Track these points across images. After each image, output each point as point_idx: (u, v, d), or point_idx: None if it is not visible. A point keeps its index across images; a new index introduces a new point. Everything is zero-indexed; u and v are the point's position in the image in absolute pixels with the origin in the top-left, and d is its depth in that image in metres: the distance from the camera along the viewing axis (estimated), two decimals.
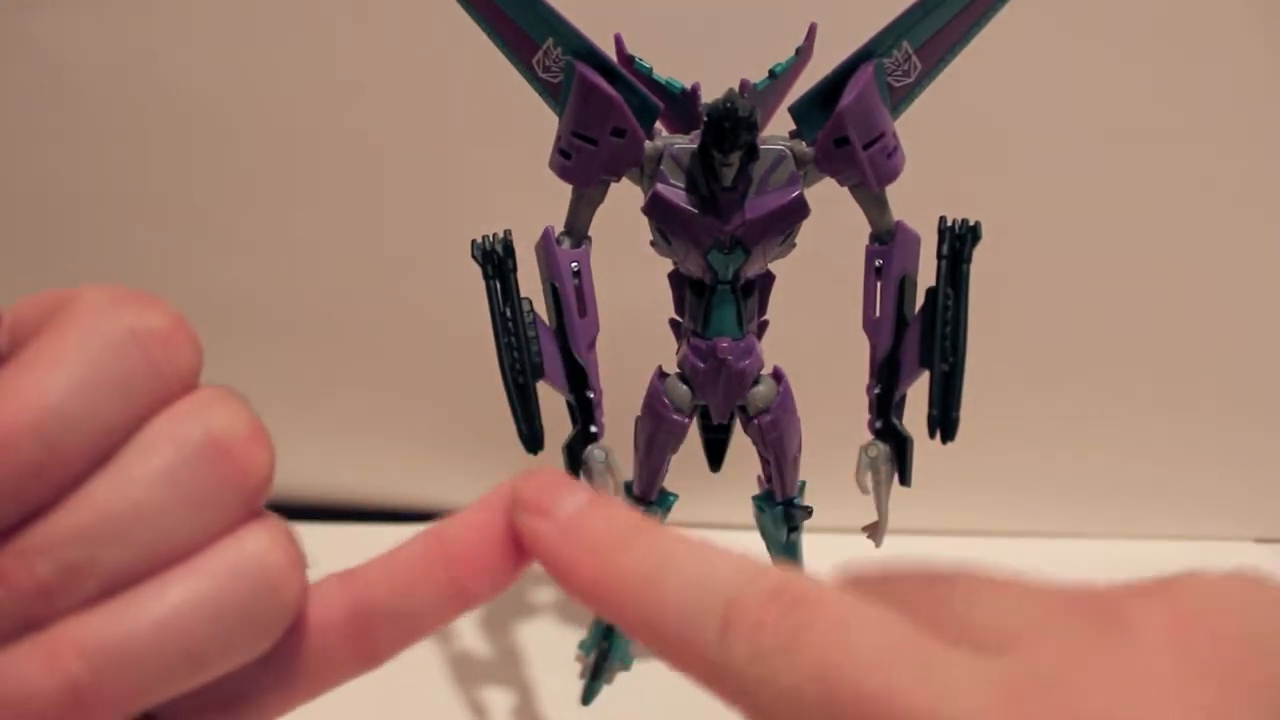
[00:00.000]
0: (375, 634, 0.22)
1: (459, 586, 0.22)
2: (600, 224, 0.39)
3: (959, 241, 0.37)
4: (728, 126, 0.34)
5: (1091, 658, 0.18)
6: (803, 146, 0.37)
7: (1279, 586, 0.21)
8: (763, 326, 0.41)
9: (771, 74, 0.38)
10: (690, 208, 0.37)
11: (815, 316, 0.49)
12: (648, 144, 0.37)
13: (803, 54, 0.39)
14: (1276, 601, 0.20)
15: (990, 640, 0.18)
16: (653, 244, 0.39)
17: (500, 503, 0.22)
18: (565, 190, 0.38)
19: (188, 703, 0.20)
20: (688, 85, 0.39)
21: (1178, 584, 0.21)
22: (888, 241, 0.38)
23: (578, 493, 0.21)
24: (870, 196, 0.38)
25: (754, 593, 0.18)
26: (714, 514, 0.57)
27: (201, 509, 0.19)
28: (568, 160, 0.37)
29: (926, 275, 0.38)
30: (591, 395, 0.39)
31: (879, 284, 0.38)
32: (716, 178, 0.36)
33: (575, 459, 0.39)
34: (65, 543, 0.18)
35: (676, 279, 0.41)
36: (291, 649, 0.21)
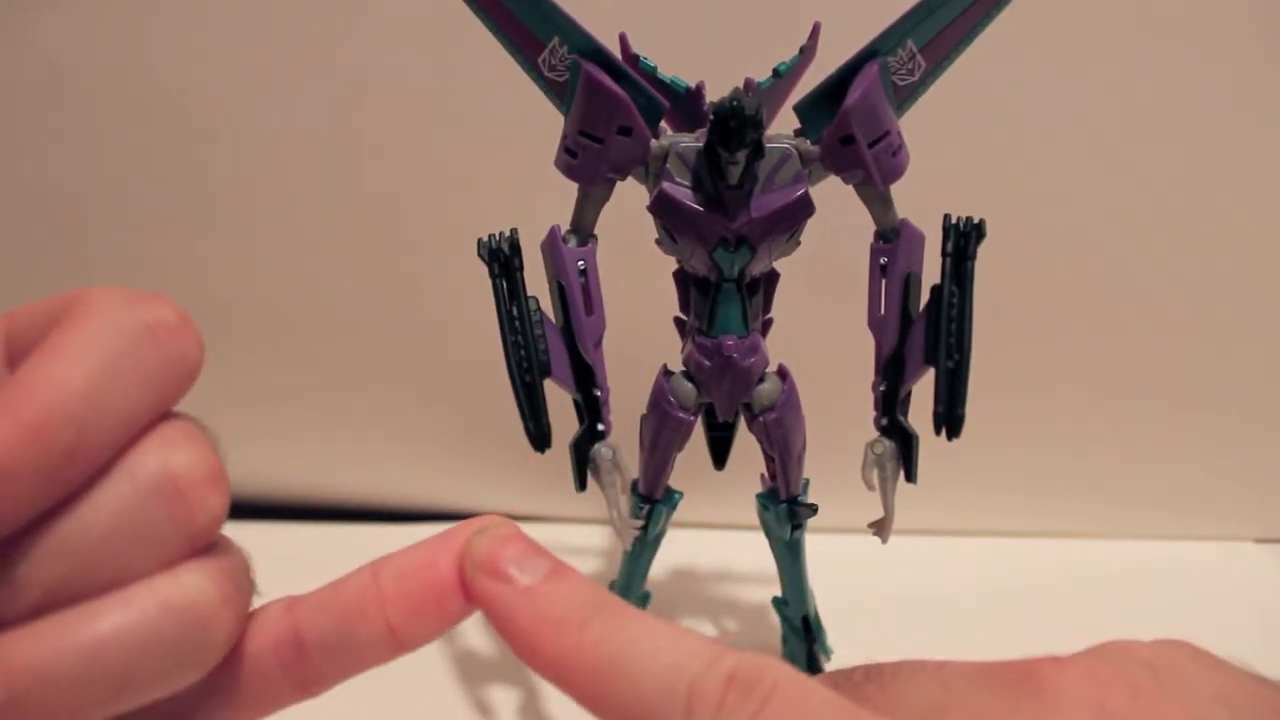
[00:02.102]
0: (311, 664, 0.22)
1: (392, 629, 0.22)
2: (606, 222, 0.39)
3: (963, 239, 0.37)
4: (734, 125, 0.35)
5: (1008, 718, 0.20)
6: (808, 145, 0.37)
7: (1207, 654, 0.24)
8: (767, 324, 0.41)
9: (776, 73, 0.39)
10: (696, 206, 0.37)
11: (820, 314, 0.50)
12: (653, 143, 0.37)
13: (807, 53, 0.39)
14: (1202, 663, 0.24)
15: (922, 714, 0.21)
16: (658, 242, 0.39)
17: (445, 548, 0.22)
18: (571, 189, 0.38)
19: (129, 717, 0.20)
20: (692, 84, 0.39)
21: (1101, 649, 0.24)
22: (892, 239, 0.38)
23: (537, 559, 0.22)
24: (875, 194, 0.38)
25: (713, 677, 0.19)
26: (718, 512, 0.57)
27: (146, 543, 0.19)
28: (574, 159, 0.37)
29: (931, 273, 0.38)
30: (598, 393, 0.39)
31: (884, 281, 0.39)
32: (722, 176, 0.36)
33: (582, 457, 0.39)
34: (11, 557, 0.18)
35: (682, 277, 0.41)
36: (229, 673, 0.21)
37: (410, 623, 0.22)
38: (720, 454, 0.43)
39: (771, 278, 0.41)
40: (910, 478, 0.40)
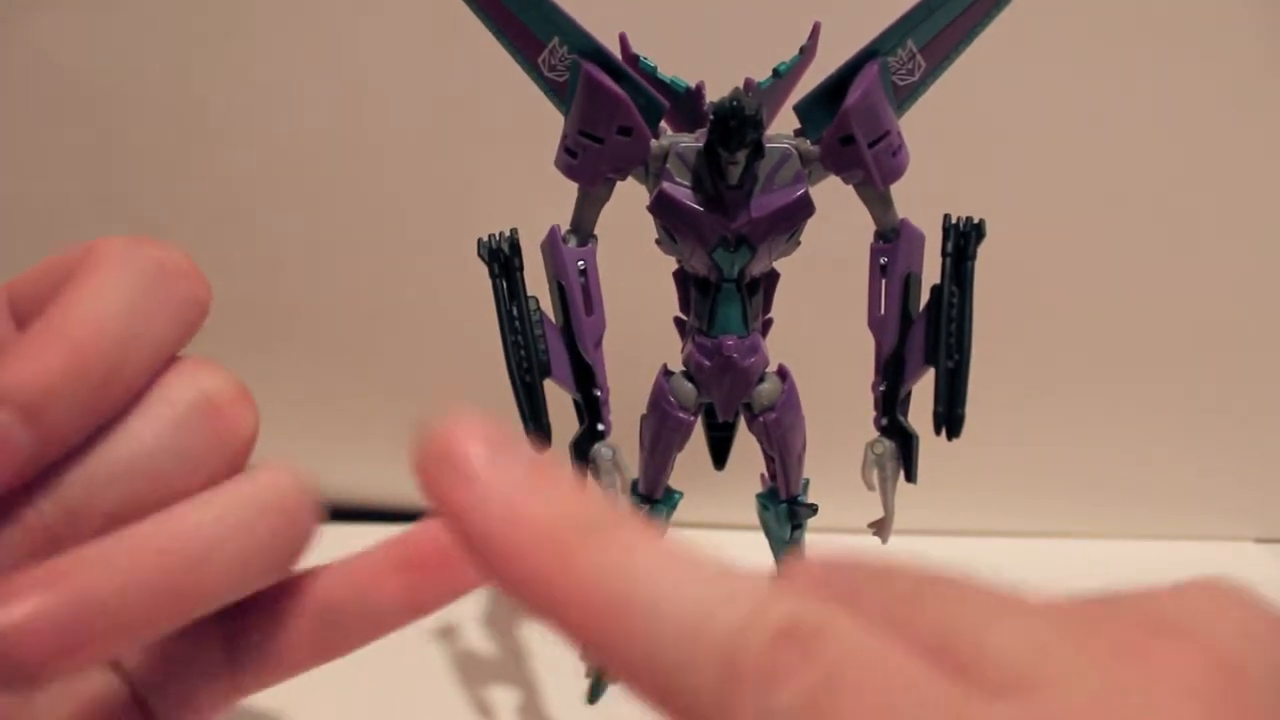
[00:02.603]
0: (335, 628, 0.22)
1: (412, 592, 0.22)
2: (606, 222, 0.39)
3: (963, 239, 0.37)
4: (734, 125, 0.35)
5: (1120, 709, 0.15)
6: (808, 145, 0.37)
7: (1241, 599, 0.19)
8: (767, 324, 0.41)
9: (775, 73, 0.39)
10: (696, 206, 0.37)
11: (820, 314, 0.50)
12: (653, 143, 0.37)
13: (806, 53, 0.39)
14: (1255, 621, 0.19)
15: (1008, 678, 0.15)
16: (658, 242, 0.39)
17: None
18: (571, 189, 0.38)
19: (171, 673, 0.21)
20: (692, 84, 0.39)
21: (1181, 611, 0.18)
22: (892, 239, 0.38)
23: (515, 450, 0.16)
24: (875, 194, 0.38)
25: (760, 632, 0.14)
26: (718, 512, 0.57)
27: (190, 461, 0.20)
28: (574, 159, 0.37)
29: (931, 273, 0.38)
30: (598, 393, 0.39)
31: (884, 281, 0.39)
32: (722, 176, 0.36)
33: (582, 457, 0.39)
34: (68, 487, 0.18)
35: (681, 277, 0.41)
36: (266, 633, 0.22)
37: (427, 587, 0.22)
38: (720, 454, 0.43)
39: (771, 278, 0.41)
40: (910, 478, 0.40)
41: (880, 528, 0.41)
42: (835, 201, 0.38)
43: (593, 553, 0.15)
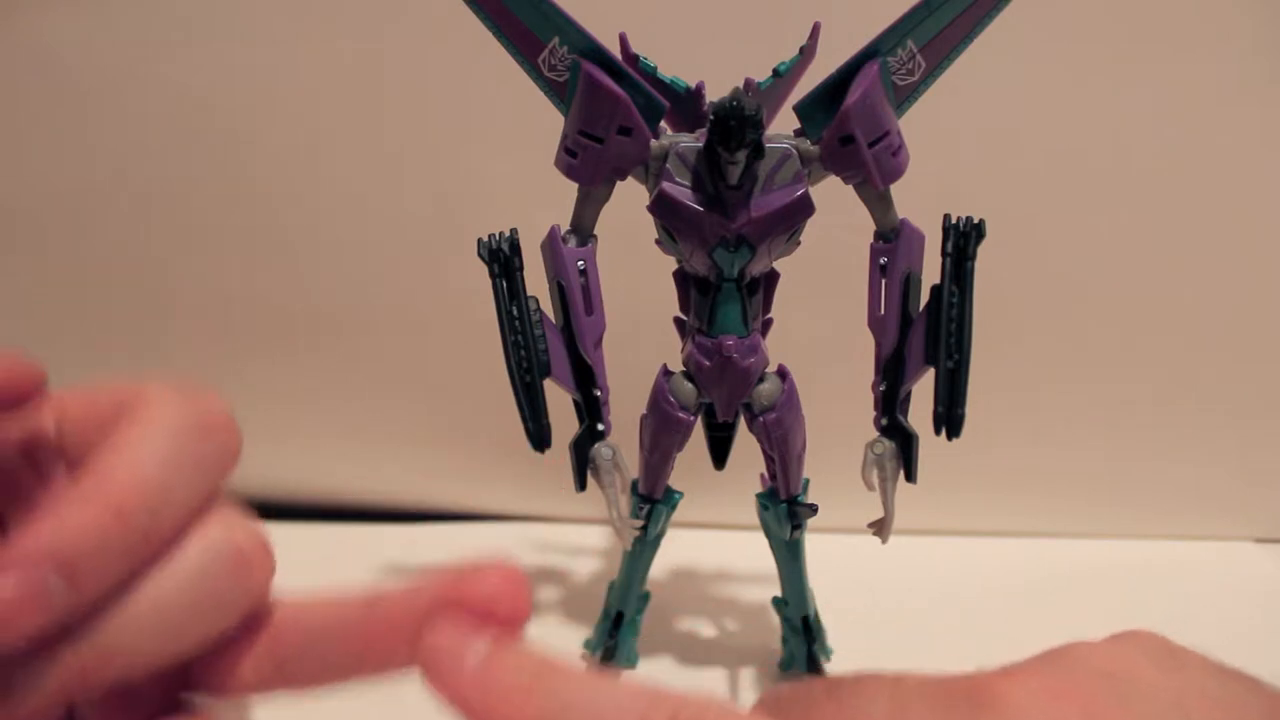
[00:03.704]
0: (281, 666, 0.23)
1: (361, 657, 0.23)
2: (606, 222, 0.39)
3: (963, 239, 0.37)
4: (734, 125, 0.35)
5: None
6: (808, 145, 0.37)
7: (1167, 648, 0.24)
8: (767, 324, 0.41)
9: (776, 73, 0.39)
10: (696, 206, 0.37)
11: (820, 314, 0.50)
12: (653, 142, 0.37)
13: (806, 53, 0.39)
14: (1161, 664, 0.24)
15: None
16: (658, 242, 0.39)
17: (418, 600, 0.23)
18: (571, 189, 0.38)
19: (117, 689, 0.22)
20: (692, 84, 0.39)
21: (1058, 656, 0.24)
22: (892, 239, 0.38)
23: (482, 639, 0.22)
24: (875, 194, 0.38)
25: None
26: (718, 512, 0.57)
27: (224, 607, 0.22)
28: (574, 159, 0.37)
29: (931, 273, 0.38)
30: (598, 393, 0.39)
31: (884, 281, 0.39)
32: (722, 176, 0.36)
33: (582, 457, 0.39)
34: (102, 631, 0.20)
35: (681, 277, 0.41)
36: (213, 656, 0.23)
37: (376, 654, 0.23)
38: (720, 454, 0.43)
39: (771, 278, 0.41)
40: (910, 478, 0.40)
41: (880, 528, 0.41)
42: (835, 201, 0.38)
43: (536, 696, 0.20)
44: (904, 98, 0.37)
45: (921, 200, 0.38)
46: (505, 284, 0.38)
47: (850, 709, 0.22)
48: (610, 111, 0.36)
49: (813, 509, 0.43)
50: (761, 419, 0.41)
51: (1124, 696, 0.22)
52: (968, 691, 0.22)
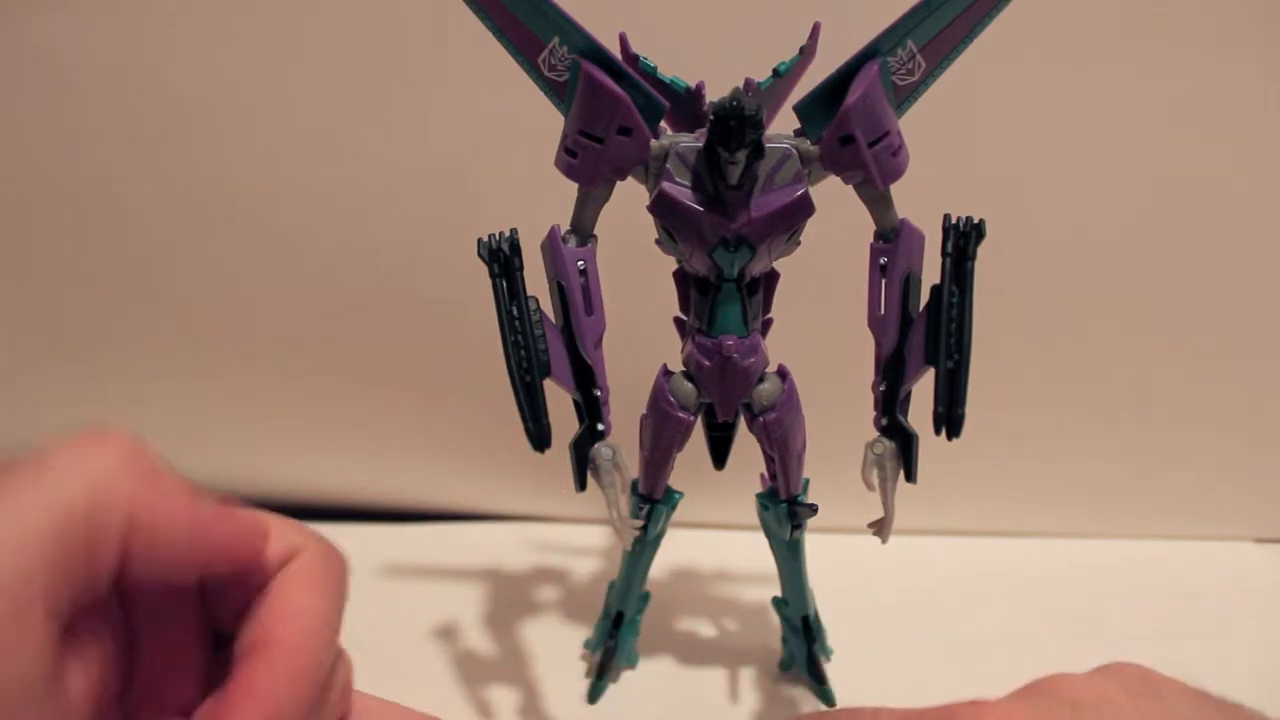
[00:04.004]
0: None
1: None
2: (606, 222, 0.39)
3: (963, 239, 0.37)
4: (734, 125, 0.35)
5: None
6: (808, 145, 0.37)
7: (1147, 679, 0.25)
8: (767, 324, 0.41)
9: (775, 72, 0.39)
10: (696, 206, 0.37)
11: (820, 314, 0.50)
12: (653, 142, 0.37)
13: (806, 53, 0.39)
14: (1135, 693, 0.25)
15: None
16: (658, 242, 0.39)
17: None
18: (571, 189, 0.38)
19: None
20: (692, 84, 0.39)
21: (1034, 688, 0.25)
22: (892, 239, 0.38)
23: None
24: (875, 194, 0.38)
25: None
26: (718, 512, 0.57)
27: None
28: (574, 159, 0.37)
29: (931, 273, 0.38)
30: (598, 393, 0.39)
31: (883, 281, 0.39)
32: (722, 176, 0.36)
33: (582, 457, 0.39)
34: None
35: (681, 277, 0.41)
36: None
37: None
38: (720, 454, 0.43)
39: (771, 278, 0.41)
40: (910, 478, 0.40)
41: (880, 528, 0.41)
42: (835, 201, 0.38)
43: None
44: (904, 98, 0.37)
45: (921, 200, 0.38)
46: (505, 284, 0.38)
47: None
48: (610, 111, 0.36)
49: (813, 509, 0.43)
50: (761, 419, 0.41)
51: None
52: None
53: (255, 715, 0.23)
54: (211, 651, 0.27)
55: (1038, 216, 0.56)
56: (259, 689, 0.23)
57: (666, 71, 0.39)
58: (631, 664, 0.49)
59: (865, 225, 0.39)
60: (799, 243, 0.39)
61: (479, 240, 0.37)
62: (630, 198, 0.39)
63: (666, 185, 0.37)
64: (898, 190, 0.38)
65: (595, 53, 0.36)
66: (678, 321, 0.42)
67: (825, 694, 0.47)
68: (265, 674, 0.24)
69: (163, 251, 0.60)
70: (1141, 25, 0.53)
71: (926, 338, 0.38)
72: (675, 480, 0.43)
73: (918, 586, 0.57)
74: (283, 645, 0.24)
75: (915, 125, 0.38)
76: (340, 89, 0.56)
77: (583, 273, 0.38)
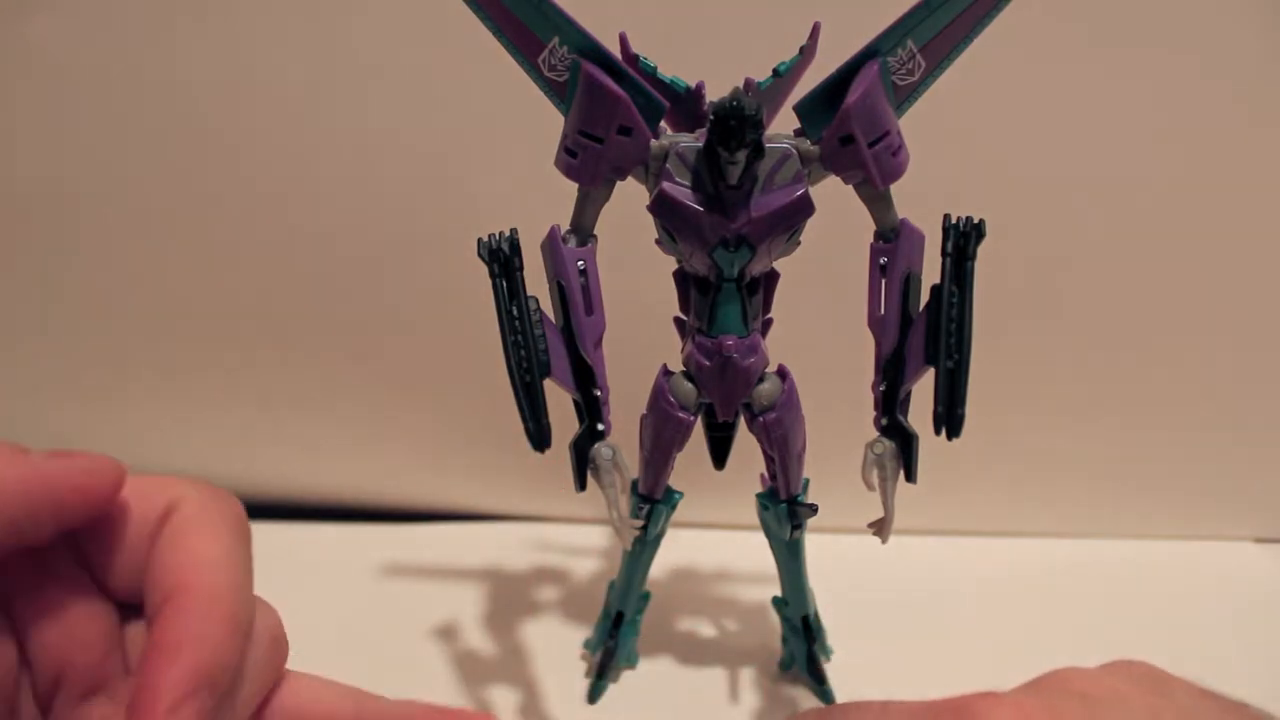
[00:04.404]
0: None
1: None
2: (606, 222, 0.39)
3: (963, 239, 0.37)
4: (734, 124, 0.35)
5: None
6: (808, 145, 0.37)
7: (1153, 674, 0.25)
8: (767, 324, 0.41)
9: (775, 72, 0.39)
10: (696, 206, 0.37)
11: (820, 314, 0.50)
12: (653, 142, 0.37)
13: (806, 53, 0.39)
14: (1143, 687, 0.25)
15: None
16: (658, 242, 0.39)
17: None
18: (571, 189, 0.38)
19: None
20: (692, 84, 0.39)
21: (1043, 680, 0.25)
22: (892, 239, 0.38)
23: None
24: (875, 194, 0.38)
25: None
26: (718, 512, 0.57)
27: (275, 669, 0.27)
28: (573, 159, 0.37)
29: (931, 273, 0.38)
30: (598, 393, 0.39)
31: (883, 281, 0.39)
32: (723, 176, 0.36)
33: (582, 457, 0.39)
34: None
35: (681, 277, 0.41)
36: None
37: None
38: (720, 454, 0.43)
39: (771, 278, 0.41)
40: (910, 478, 0.40)
41: (880, 528, 0.41)
42: (835, 201, 0.38)
43: None
44: (904, 98, 0.37)
45: (921, 200, 0.38)
46: (505, 284, 0.38)
47: None
48: (610, 111, 0.36)
49: (813, 509, 0.43)
50: (761, 419, 0.41)
51: (1096, 715, 0.23)
52: (952, 712, 0.23)
53: (185, 665, 0.22)
54: (118, 627, 0.26)
55: (1038, 216, 0.56)
56: (181, 638, 0.22)
57: (666, 71, 0.39)
58: (631, 664, 0.49)
59: (865, 225, 0.39)
60: (799, 243, 0.39)
61: (479, 240, 0.37)
62: (630, 198, 0.39)
63: (666, 185, 0.37)
64: (898, 190, 0.38)
65: (595, 53, 0.36)
66: (678, 321, 0.42)
67: (825, 694, 0.47)
68: (184, 622, 0.23)
69: (163, 251, 0.60)
70: (1142, 25, 0.53)
71: (926, 338, 0.38)
72: (675, 480, 0.43)
73: (918, 586, 0.57)
74: (194, 591, 0.23)
75: (915, 125, 0.38)
76: (340, 89, 0.56)
77: (583, 273, 0.38)
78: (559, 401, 0.39)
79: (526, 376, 0.38)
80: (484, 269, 0.37)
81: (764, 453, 0.43)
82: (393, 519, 0.63)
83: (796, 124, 0.38)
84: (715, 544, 0.59)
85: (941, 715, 0.23)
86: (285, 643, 0.27)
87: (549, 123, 0.38)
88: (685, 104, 0.39)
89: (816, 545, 0.46)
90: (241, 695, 0.25)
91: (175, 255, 0.60)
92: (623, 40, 0.39)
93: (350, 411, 0.63)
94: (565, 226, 0.39)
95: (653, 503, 0.44)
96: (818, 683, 0.47)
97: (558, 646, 0.51)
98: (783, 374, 0.41)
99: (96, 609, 0.26)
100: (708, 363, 0.40)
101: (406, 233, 0.58)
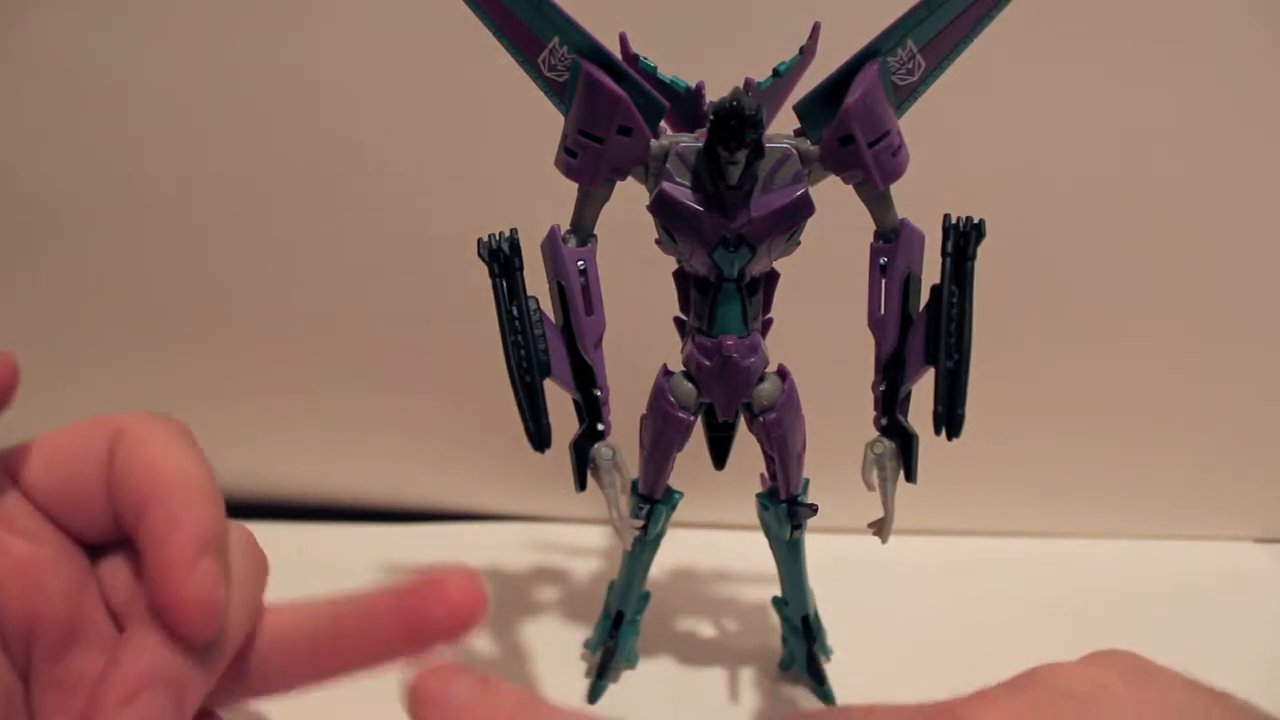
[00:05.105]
0: (260, 670, 0.27)
1: (321, 661, 0.27)
2: (606, 222, 0.39)
3: (963, 239, 0.37)
4: (734, 124, 0.35)
5: None
6: (808, 145, 0.37)
7: (1140, 665, 0.24)
8: (767, 324, 0.41)
9: (775, 72, 0.39)
10: (696, 206, 0.37)
11: (820, 314, 0.50)
12: (653, 142, 0.37)
13: (806, 53, 0.39)
14: (1131, 680, 0.24)
15: None
16: (658, 242, 0.39)
17: (381, 603, 0.27)
18: (571, 189, 0.38)
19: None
20: (692, 84, 0.39)
21: (1027, 679, 0.25)
22: (892, 239, 0.38)
23: (466, 678, 0.24)
24: (875, 194, 0.38)
25: None
26: (718, 512, 0.57)
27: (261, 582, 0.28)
28: (573, 159, 0.37)
29: (931, 273, 0.38)
30: (598, 393, 0.39)
31: (884, 281, 0.39)
32: (722, 176, 0.36)
33: (582, 457, 0.39)
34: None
35: (681, 277, 0.41)
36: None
37: (340, 657, 0.27)
38: (720, 454, 0.43)
39: (771, 278, 0.41)
40: (910, 478, 0.40)
41: (880, 528, 0.41)
42: (835, 201, 0.38)
43: None
44: (904, 98, 0.37)
45: (921, 200, 0.38)
46: (505, 284, 0.38)
47: None
48: (610, 111, 0.36)
49: (813, 509, 0.43)
50: (761, 419, 0.41)
51: (1085, 715, 0.22)
52: (939, 717, 0.23)
53: (187, 530, 0.23)
54: (88, 572, 0.27)
55: (1038, 216, 0.56)
56: (173, 512, 0.24)
57: (666, 71, 0.39)
58: (631, 664, 0.49)
59: (865, 225, 0.39)
60: (799, 243, 0.39)
61: (479, 240, 0.37)
62: (630, 198, 0.39)
63: (666, 185, 0.37)
64: (898, 190, 0.38)
65: (595, 52, 0.36)
66: (678, 321, 0.42)
67: (825, 694, 0.47)
68: (170, 504, 0.24)
69: (162, 251, 0.60)
70: (1143, 25, 0.53)
71: (926, 338, 0.38)
72: (675, 480, 0.43)
73: (918, 586, 0.57)
74: (167, 484, 0.24)
75: (915, 125, 0.38)
76: (340, 89, 0.56)
77: (583, 273, 0.38)
78: (559, 401, 0.39)
79: (526, 376, 0.38)
80: (484, 269, 0.37)
81: (764, 453, 0.43)
82: (393, 519, 0.63)
83: (796, 124, 0.38)
84: (715, 544, 0.59)
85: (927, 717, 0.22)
86: (264, 560, 0.28)
87: (549, 123, 0.38)
88: (685, 104, 0.39)
89: (816, 545, 0.46)
90: (234, 600, 0.25)
91: (174, 254, 0.60)
92: (623, 40, 0.39)
93: (350, 411, 0.63)
94: (565, 226, 0.39)
95: (653, 503, 0.44)
96: (818, 683, 0.47)
97: (558, 646, 0.51)
98: (783, 374, 0.41)
99: (60, 555, 0.26)
100: (708, 363, 0.40)
101: (406, 233, 0.58)
